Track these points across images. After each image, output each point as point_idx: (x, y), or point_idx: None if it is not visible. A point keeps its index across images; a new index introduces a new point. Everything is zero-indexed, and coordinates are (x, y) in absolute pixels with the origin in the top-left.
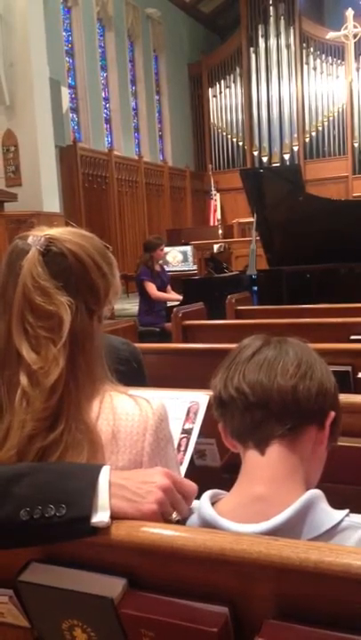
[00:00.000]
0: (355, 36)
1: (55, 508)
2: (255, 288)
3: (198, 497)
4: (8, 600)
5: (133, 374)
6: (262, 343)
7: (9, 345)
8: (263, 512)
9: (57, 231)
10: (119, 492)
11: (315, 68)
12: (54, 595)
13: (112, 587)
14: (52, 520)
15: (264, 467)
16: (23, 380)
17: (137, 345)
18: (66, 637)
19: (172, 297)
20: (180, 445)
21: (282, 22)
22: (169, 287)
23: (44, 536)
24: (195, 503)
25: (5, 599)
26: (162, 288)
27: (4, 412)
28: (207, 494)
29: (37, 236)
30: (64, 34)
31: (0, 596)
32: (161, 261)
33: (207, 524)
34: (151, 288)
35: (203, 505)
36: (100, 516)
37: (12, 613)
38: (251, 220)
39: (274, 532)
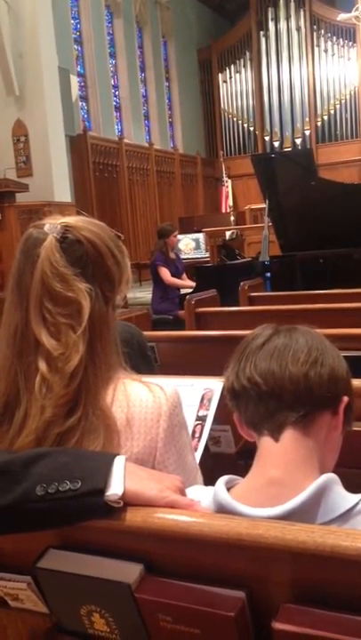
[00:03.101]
0: None
1: (70, 483)
2: (268, 274)
3: (213, 483)
4: (27, 586)
5: (136, 355)
6: (272, 332)
7: (26, 332)
8: (278, 496)
9: (72, 219)
10: (135, 474)
11: (326, 51)
12: (72, 581)
13: (129, 572)
14: (66, 494)
15: (279, 452)
16: (42, 366)
17: (151, 333)
18: (84, 623)
19: (186, 283)
20: (194, 432)
21: (292, 5)
22: (184, 275)
23: (58, 511)
24: (208, 489)
25: (24, 585)
26: (176, 275)
27: (21, 398)
28: (222, 479)
29: (53, 224)
30: (72, 21)
31: (19, 583)
32: (175, 249)
33: (222, 509)
34: (165, 273)
35: (218, 490)
36: (114, 489)
37: (31, 599)
38: (263, 206)
39: (289, 516)
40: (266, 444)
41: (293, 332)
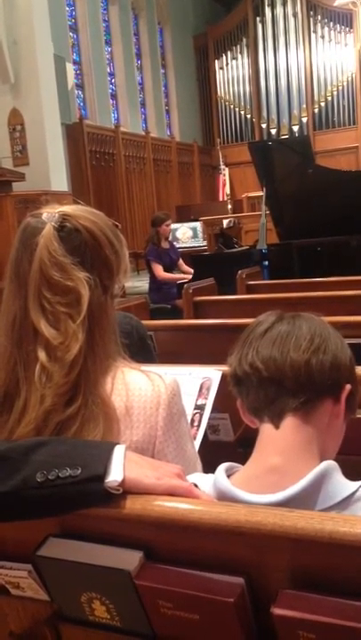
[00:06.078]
0: None
1: (70, 469)
2: (266, 262)
3: (212, 471)
4: (27, 575)
5: (136, 346)
6: (276, 319)
7: (25, 321)
8: (278, 483)
9: (70, 208)
10: (134, 462)
11: (322, 37)
12: (72, 569)
13: (129, 560)
14: (66, 480)
15: (279, 439)
16: (41, 355)
17: (149, 322)
18: (85, 610)
19: (178, 276)
20: (193, 421)
21: None
22: (181, 262)
23: (58, 498)
24: (208, 477)
25: (25, 574)
26: (171, 265)
27: (21, 387)
28: (223, 466)
29: (51, 213)
30: (67, 9)
31: (19, 571)
32: (170, 238)
33: (223, 496)
34: (158, 269)
35: (218, 477)
36: (114, 476)
37: (32, 587)
38: (260, 193)
39: (288, 503)
40: (266, 430)
41: (297, 318)
